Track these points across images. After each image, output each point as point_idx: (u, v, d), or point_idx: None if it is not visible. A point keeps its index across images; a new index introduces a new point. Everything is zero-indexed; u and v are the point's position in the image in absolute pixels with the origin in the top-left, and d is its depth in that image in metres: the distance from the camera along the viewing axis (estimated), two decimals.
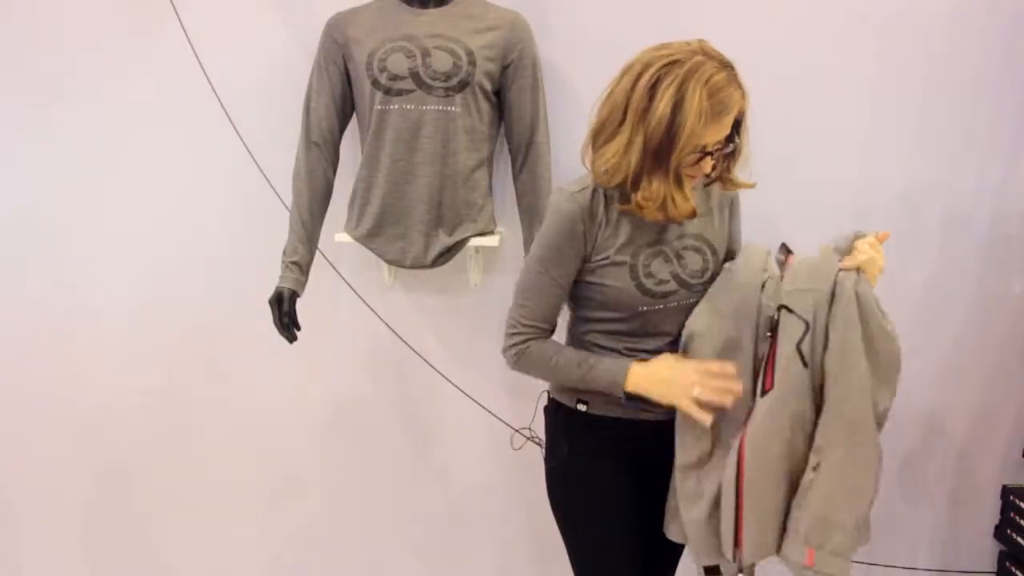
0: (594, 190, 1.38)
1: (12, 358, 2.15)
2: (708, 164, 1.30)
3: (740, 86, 1.28)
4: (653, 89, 1.25)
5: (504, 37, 1.76)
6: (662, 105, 1.23)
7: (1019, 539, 1.99)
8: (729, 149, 1.33)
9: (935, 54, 1.84)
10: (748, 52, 1.79)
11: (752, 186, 1.42)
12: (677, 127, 1.23)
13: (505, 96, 1.80)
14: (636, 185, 1.30)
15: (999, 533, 2.06)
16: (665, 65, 1.25)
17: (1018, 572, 2.01)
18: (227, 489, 2.20)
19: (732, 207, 1.51)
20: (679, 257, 1.41)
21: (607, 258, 1.38)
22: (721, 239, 1.48)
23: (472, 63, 1.73)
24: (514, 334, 1.44)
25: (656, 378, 1.36)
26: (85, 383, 2.15)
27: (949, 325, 1.98)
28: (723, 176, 1.39)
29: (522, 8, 1.81)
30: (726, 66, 1.27)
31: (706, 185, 1.45)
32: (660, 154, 1.26)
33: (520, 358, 1.44)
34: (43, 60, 1.98)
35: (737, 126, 1.34)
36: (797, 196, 1.88)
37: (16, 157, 2.03)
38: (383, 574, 2.23)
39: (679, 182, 1.29)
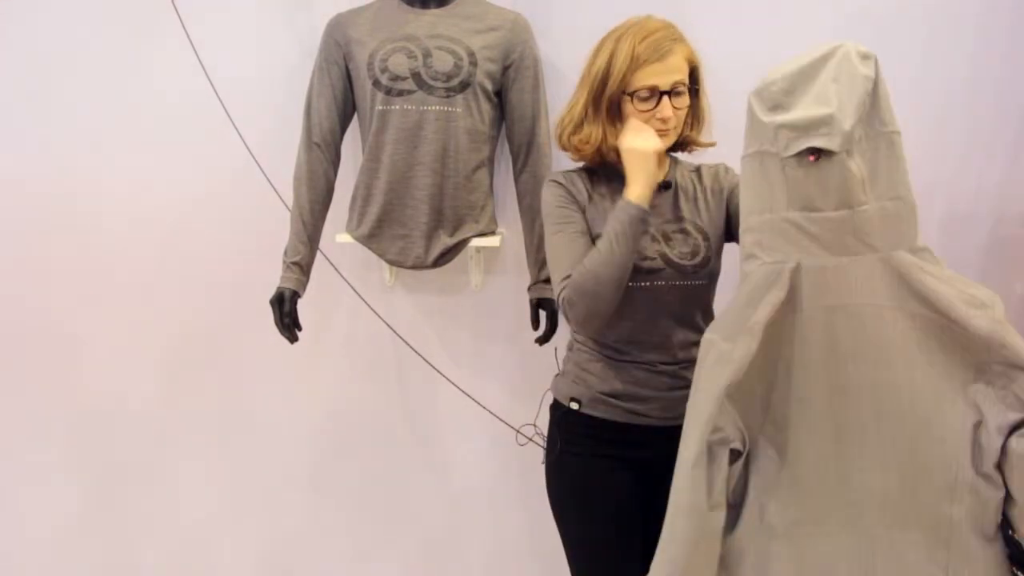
0: (577, 172, 1.49)
1: (12, 358, 2.14)
2: (667, 107, 1.37)
3: (682, 39, 1.40)
4: (597, 50, 1.42)
5: (505, 38, 1.76)
6: (600, 58, 1.40)
7: (1020, 540, 1.98)
8: (680, 90, 1.39)
9: (935, 54, 1.84)
10: (747, 52, 1.80)
11: (712, 144, 1.51)
12: (610, 69, 1.37)
13: (506, 96, 1.80)
14: (577, 131, 1.44)
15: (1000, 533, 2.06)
16: (610, 32, 1.42)
17: (1020, 573, 2.00)
18: (227, 488, 2.20)
19: (732, 193, 1.48)
20: (667, 238, 1.44)
21: (596, 235, 1.42)
22: (714, 224, 1.48)
23: (473, 63, 1.73)
24: (559, 292, 1.39)
25: (635, 166, 1.35)
26: (85, 383, 2.15)
27: None
28: (688, 139, 1.48)
29: (522, 8, 1.81)
30: (667, 26, 1.40)
31: (671, 150, 1.50)
32: (598, 99, 1.40)
33: (570, 297, 1.36)
34: (44, 60, 1.98)
35: (695, 88, 1.43)
36: None
37: (16, 157, 2.03)
38: (383, 573, 2.23)
39: (614, 122, 1.40)
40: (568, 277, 1.38)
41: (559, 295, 1.40)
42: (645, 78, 1.36)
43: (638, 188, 1.34)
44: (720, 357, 1.15)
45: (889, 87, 1.18)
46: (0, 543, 2.26)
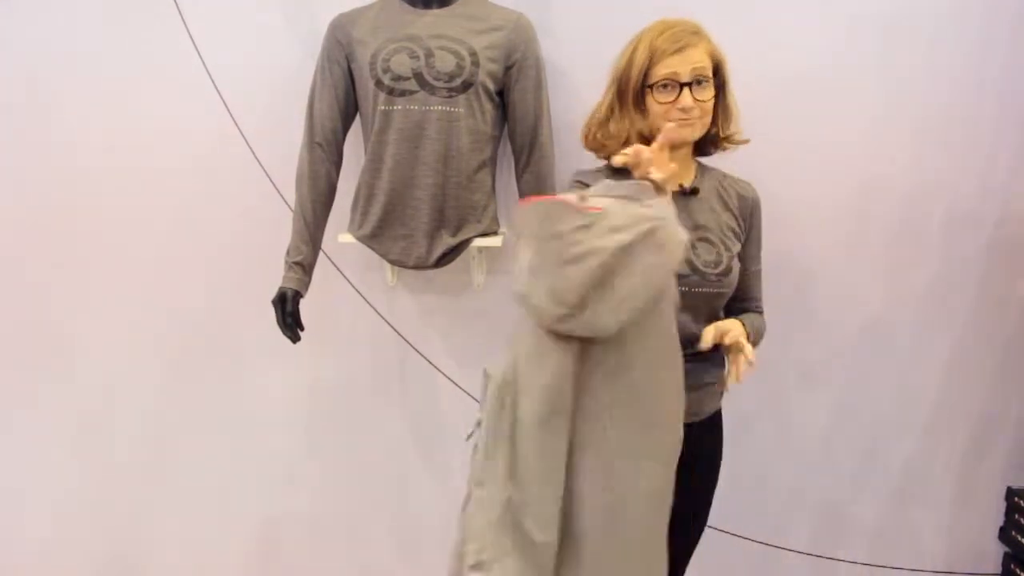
0: (601, 171, 1.48)
1: (13, 357, 2.15)
2: (688, 97, 1.39)
3: (703, 35, 1.43)
4: (621, 52, 1.46)
5: (507, 38, 1.76)
6: (623, 57, 1.45)
7: (1023, 541, 1.98)
8: (702, 81, 1.41)
9: (939, 55, 1.84)
10: (752, 54, 1.81)
11: (747, 142, 1.52)
12: (632, 63, 1.42)
13: (508, 96, 1.80)
14: (603, 128, 1.47)
15: (1003, 535, 2.06)
16: (635, 34, 1.46)
17: (1022, 574, 2.00)
18: (228, 488, 2.20)
19: (753, 216, 1.55)
20: (691, 246, 1.45)
21: None
22: (735, 236, 1.51)
23: (475, 63, 1.73)
24: None
25: None
26: (86, 381, 2.15)
27: (952, 326, 1.98)
28: (720, 136, 1.50)
29: (525, 8, 1.81)
30: (688, 22, 1.43)
31: (705, 152, 1.53)
32: (623, 94, 1.44)
33: None
34: (46, 60, 1.98)
35: (720, 83, 1.45)
36: (801, 198, 1.88)
37: (18, 156, 2.04)
38: (385, 574, 2.23)
39: (640, 114, 1.43)
40: None
41: None
42: (665, 69, 1.40)
43: None
44: None
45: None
46: (1, 539, 2.27)
